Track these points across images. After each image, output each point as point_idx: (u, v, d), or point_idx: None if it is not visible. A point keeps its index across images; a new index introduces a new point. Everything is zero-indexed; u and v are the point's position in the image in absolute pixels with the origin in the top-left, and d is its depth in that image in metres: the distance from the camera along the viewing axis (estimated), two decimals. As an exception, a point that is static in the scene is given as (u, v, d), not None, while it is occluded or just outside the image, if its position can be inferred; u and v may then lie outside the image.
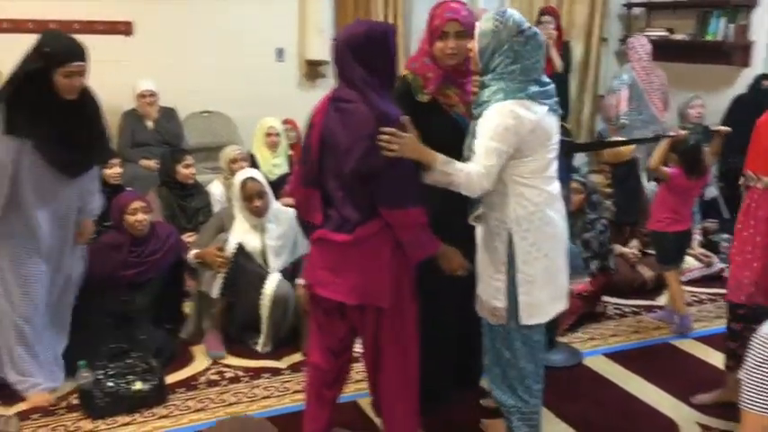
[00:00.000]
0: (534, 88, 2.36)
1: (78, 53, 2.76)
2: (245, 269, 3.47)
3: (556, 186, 2.50)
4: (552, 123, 2.44)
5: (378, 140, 2.18)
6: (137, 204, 3.46)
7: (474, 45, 2.43)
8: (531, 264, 2.44)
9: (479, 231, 2.55)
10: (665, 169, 3.72)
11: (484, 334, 2.65)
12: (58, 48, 2.73)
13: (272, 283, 3.45)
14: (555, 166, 2.48)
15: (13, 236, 2.85)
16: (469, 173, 2.30)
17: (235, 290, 3.46)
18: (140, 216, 3.44)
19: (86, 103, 2.89)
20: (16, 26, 5.06)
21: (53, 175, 2.83)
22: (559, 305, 2.59)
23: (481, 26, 2.40)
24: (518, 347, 2.55)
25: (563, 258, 2.56)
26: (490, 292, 2.50)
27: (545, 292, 2.49)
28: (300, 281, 3.44)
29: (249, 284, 3.45)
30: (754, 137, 2.81)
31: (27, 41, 5.00)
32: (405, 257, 2.35)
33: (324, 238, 2.34)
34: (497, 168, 2.33)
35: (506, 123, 2.29)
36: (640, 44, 5.60)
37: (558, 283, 2.55)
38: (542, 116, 2.37)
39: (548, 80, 2.44)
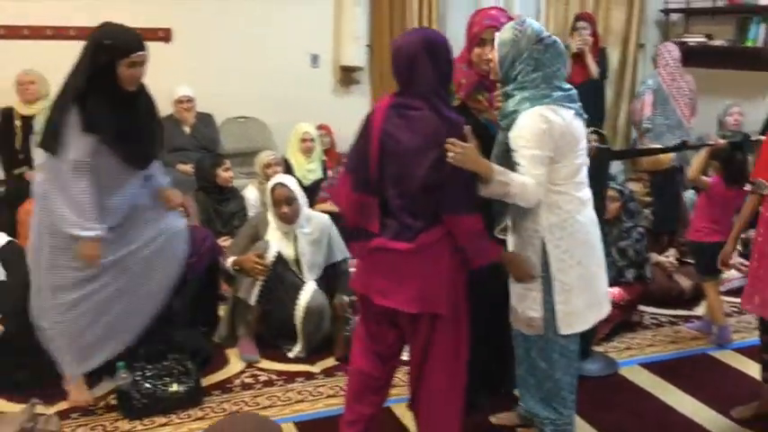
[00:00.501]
0: (558, 93, 2.37)
1: (139, 42, 2.75)
2: (282, 278, 3.48)
3: (586, 192, 2.50)
4: (579, 127, 2.44)
5: (445, 149, 2.19)
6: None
7: (494, 55, 2.44)
8: (566, 272, 2.44)
9: (510, 242, 2.55)
10: (705, 178, 3.67)
11: (517, 345, 2.64)
12: (119, 39, 2.71)
13: (307, 294, 3.46)
14: (584, 171, 2.49)
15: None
16: (525, 183, 2.29)
17: (271, 298, 3.47)
18: None
19: (144, 95, 2.89)
20: (59, 33, 5.17)
21: (122, 168, 2.83)
22: (599, 312, 2.57)
23: (501, 36, 2.42)
24: (555, 358, 2.54)
25: (597, 265, 2.54)
26: (526, 303, 2.49)
27: (582, 300, 2.48)
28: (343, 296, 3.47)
29: (285, 294, 3.47)
30: (765, 144, 2.82)
31: (69, 48, 5.17)
32: (461, 264, 2.34)
33: (383, 247, 2.30)
34: (546, 176, 2.33)
35: (540, 128, 2.31)
36: (667, 50, 5.56)
37: (594, 290, 2.53)
38: (570, 120, 2.39)
39: (569, 86, 2.45)
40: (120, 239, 2.90)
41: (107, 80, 2.68)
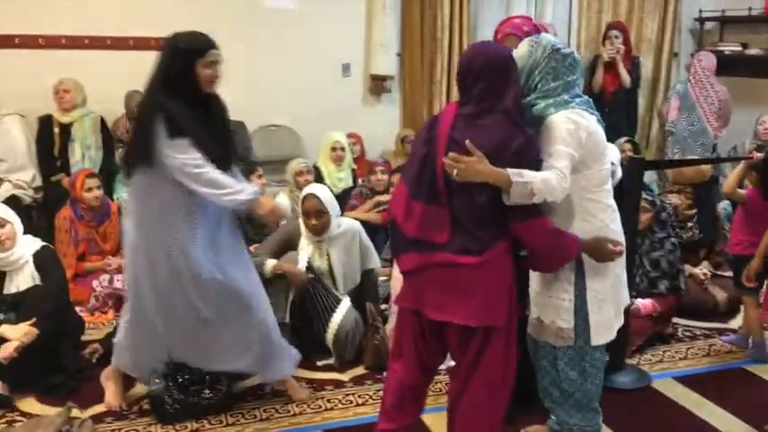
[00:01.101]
0: (579, 99, 2.41)
1: (212, 42, 2.76)
2: (314, 294, 3.46)
3: (613, 201, 2.50)
4: (603, 134, 2.46)
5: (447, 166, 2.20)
6: None
7: None
8: (601, 281, 2.44)
9: None
10: (741, 191, 3.63)
11: (541, 356, 2.62)
12: (194, 41, 2.72)
13: (339, 314, 3.45)
14: (611, 180, 2.50)
15: (176, 236, 2.77)
16: (546, 177, 2.25)
17: (304, 316, 3.46)
18: None
19: (217, 100, 2.86)
20: (97, 43, 5.27)
21: None
22: (619, 321, 2.58)
23: (518, 50, 2.45)
24: (586, 368, 2.54)
25: (625, 273, 2.55)
26: (556, 314, 2.47)
27: (612, 309, 2.49)
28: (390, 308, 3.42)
29: (317, 312, 3.45)
30: None
31: (107, 58, 5.30)
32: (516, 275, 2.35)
33: (450, 262, 2.25)
34: (569, 170, 2.31)
35: (567, 128, 2.32)
36: (698, 59, 5.69)
37: (619, 299, 2.55)
38: (595, 124, 2.41)
39: (587, 97, 2.47)
40: (218, 263, 2.84)
41: (186, 84, 2.68)
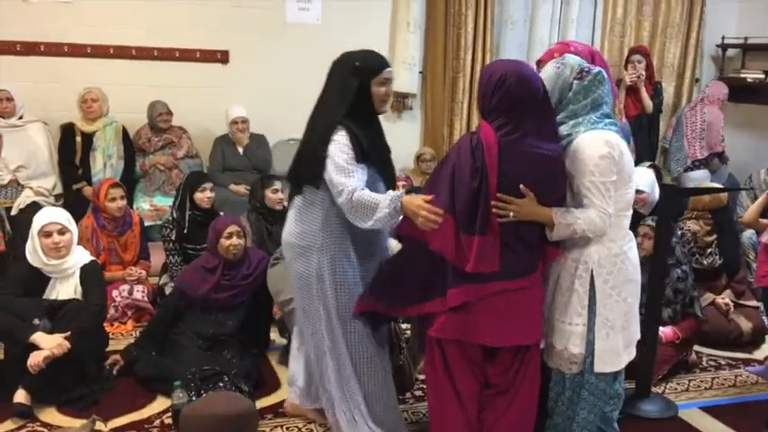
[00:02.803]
0: (608, 121, 2.40)
1: (386, 60, 2.67)
2: None
3: (629, 231, 2.49)
4: (631, 158, 2.46)
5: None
6: (232, 228, 3.53)
7: None
8: (612, 308, 2.41)
9: (553, 277, 2.51)
10: (763, 220, 3.60)
11: (554, 383, 2.60)
12: (369, 59, 2.63)
13: None
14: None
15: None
16: (590, 217, 2.31)
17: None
18: (235, 240, 3.51)
19: (378, 118, 2.75)
20: (121, 52, 5.28)
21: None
22: (630, 354, 2.54)
23: (545, 72, 2.47)
24: (584, 396, 2.51)
25: (637, 305, 2.52)
26: (569, 339, 2.45)
27: (621, 338, 2.45)
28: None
29: None
30: None
31: (130, 67, 5.31)
32: None
33: (505, 289, 2.29)
34: (609, 202, 2.32)
35: (602, 152, 2.31)
36: (708, 85, 6.04)
37: (631, 331, 2.51)
38: (624, 146, 2.40)
39: (617, 121, 2.50)
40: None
41: (362, 104, 2.57)
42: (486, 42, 5.93)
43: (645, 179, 3.60)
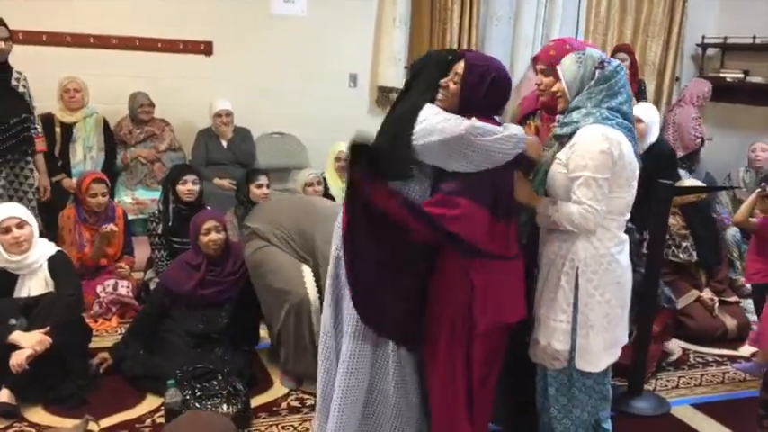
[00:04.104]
0: (621, 121, 2.35)
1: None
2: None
3: (624, 235, 2.47)
4: (636, 164, 2.41)
5: None
6: (209, 224, 3.45)
7: (560, 86, 2.46)
8: (593, 307, 2.40)
9: (542, 272, 2.50)
10: (753, 220, 3.65)
11: (538, 379, 2.61)
12: (442, 55, 2.52)
13: None
14: (628, 212, 2.46)
15: None
16: (567, 213, 2.33)
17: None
18: (214, 236, 3.44)
19: None
20: (102, 42, 5.16)
21: None
22: (613, 356, 2.53)
23: (564, 64, 2.45)
24: (575, 394, 2.52)
25: (623, 307, 2.50)
26: (552, 335, 2.45)
27: (601, 339, 2.44)
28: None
29: None
30: None
31: (110, 57, 5.19)
32: None
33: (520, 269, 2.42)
34: (599, 198, 2.30)
35: (600, 147, 2.28)
36: (685, 86, 6.16)
37: (614, 333, 2.49)
38: (629, 150, 2.36)
39: (630, 124, 2.42)
40: None
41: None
42: (472, 38, 5.92)
43: (646, 109, 3.64)
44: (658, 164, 3.61)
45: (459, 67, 2.33)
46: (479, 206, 2.27)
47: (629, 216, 2.48)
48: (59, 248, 3.33)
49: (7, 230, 3.12)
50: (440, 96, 2.35)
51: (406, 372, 2.47)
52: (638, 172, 2.43)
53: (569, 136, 2.37)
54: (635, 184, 2.43)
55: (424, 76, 2.43)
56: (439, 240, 2.29)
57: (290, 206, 3.59)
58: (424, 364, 2.47)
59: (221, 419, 2.65)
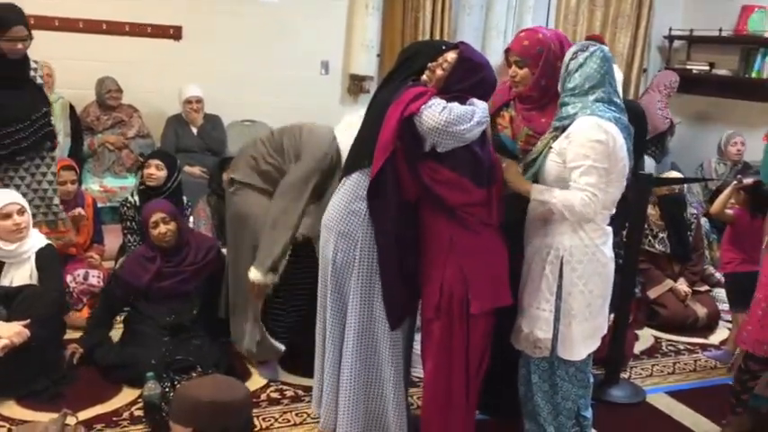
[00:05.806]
0: (615, 115, 2.36)
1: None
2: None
3: (609, 228, 2.48)
4: (627, 161, 2.42)
5: None
6: (156, 217, 3.36)
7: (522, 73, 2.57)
8: (576, 297, 2.42)
9: (527, 261, 2.52)
10: (729, 211, 3.69)
11: (520, 366, 2.64)
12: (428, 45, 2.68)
13: None
14: (614, 207, 2.48)
15: None
16: (568, 198, 2.32)
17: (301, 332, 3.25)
18: (162, 228, 3.35)
19: None
20: (67, 25, 5.02)
21: None
22: (592, 346, 2.55)
23: (572, 55, 2.43)
24: (556, 381, 2.54)
25: (604, 298, 2.52)
26: (535, 323, 2.47)
27: (581, 329, 2.46)
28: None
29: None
30: None
31: (76, 40, 5.04)
32: None
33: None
34: (600, 187, 2.31)
35: (598, 137, 2.30)
36: (654, 75, 6.26)
37: (594, 324, 2.51)
38: (622, 145, 2.38)
39: (624, 117, 2.43)
40: None
41: None
42: (444, 27, 5.91)
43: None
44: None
45: (450, 56, 2.34)
46: (460, 175, 2.35)
47: (614, 210, 2.49)
48: (48, 241, 3.24)
49: (8, 216, 3.05)
50: (424, 78, 2.42)
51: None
52: (627, 170, 2.45)
53: (564, 128, 2.38)
54: (624, 181, 2.44)
55: (417, 61, 2.48)
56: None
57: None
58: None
59: (240, 384, 2.59)
